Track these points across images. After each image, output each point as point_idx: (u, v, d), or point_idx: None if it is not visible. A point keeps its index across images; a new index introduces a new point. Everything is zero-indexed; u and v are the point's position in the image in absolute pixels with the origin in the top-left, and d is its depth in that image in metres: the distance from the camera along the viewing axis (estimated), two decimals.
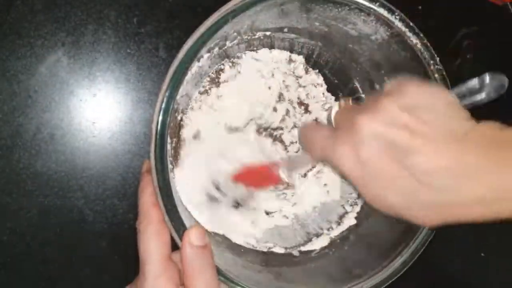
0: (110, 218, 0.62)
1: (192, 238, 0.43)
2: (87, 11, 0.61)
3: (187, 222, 0.46)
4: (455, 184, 0.35)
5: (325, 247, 0.60)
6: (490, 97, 0.40)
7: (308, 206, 0.62)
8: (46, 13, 0.60)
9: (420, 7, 0.67)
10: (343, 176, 0.40)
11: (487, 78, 0.39)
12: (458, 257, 0.71)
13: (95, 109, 0.61)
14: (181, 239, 0.44)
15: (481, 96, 0.40)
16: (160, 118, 0.44)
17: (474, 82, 0.40)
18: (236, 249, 0.57)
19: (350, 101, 0.43)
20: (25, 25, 0.60)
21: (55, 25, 0.60)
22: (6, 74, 0.59)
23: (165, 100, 0.43)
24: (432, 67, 0.51)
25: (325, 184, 0.62)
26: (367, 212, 0.60)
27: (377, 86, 0.59)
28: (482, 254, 0.70)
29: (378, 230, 0.58)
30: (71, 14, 0.60)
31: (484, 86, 0.40)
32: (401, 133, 0.36)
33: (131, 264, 0.61)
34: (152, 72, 0.62)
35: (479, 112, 0.39)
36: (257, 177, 0.57)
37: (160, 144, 0.44)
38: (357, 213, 0.61)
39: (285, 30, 0.57)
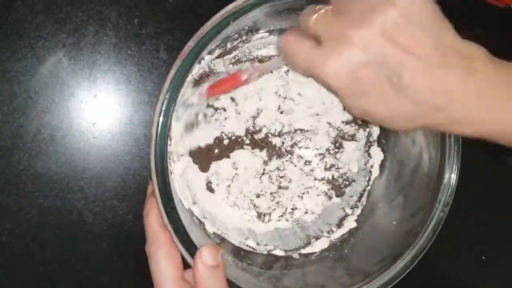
0: (110, 219, 0.62)
1: (205, 257, 0.43)
2: (87, 12, 0.60)
3: (187, 225, 0.45)
4: (439, 103, 0.37)
5: (325, 250, 0.59)
6: None
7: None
8: (47, 14, 0.60)
9: None
10: (328, 88, 0.39)
11: None
12: (459, 261, 0.70)
13: (96, 111, 0.61)
14: (181, 240, 0.44)
15: None
16: (160, 120, 0.43)
17: None
18: (236, 251, 0.57)
19: (324, 10, 0.40)
20: (25, 26, 0.60)
21: (56, 26, 0.60)
22: (6, 75, 0.59)
23: (165, 102, 0.43)
24: None
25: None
26: (368, 214, 0.60)
27: None
28: (483, 258, 0.70)
29: (378, 234, 0.58)
30: (71, 15, 0.60)
31: None
32: (395, 51, 0.36)
33: (131, 265, 0.62)
34: (152, 74, 0.62)
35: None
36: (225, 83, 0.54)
37: (160, 146, 0.43)
38: (358, 216, 0.61)
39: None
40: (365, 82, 0.37)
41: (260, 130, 0.60)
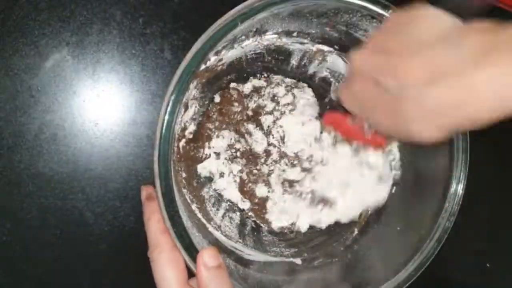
0: (111, 220, 0.61)
1: (206, 259, 0.43)
2: (92, 10, 0.60)
3: (189, 227, 0.45)
4: (432, 90, 0.35)
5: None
6: None
7: None
8: (51, 12, 0.59)
9: None
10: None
11: None
12: (463, 268, 0.70)
13: (98, 110, 0.61)
14: (183, 245, 0.43)
15: None
16: (165, 121, 0.43)
17: None
18: (238, 257, 0.57)
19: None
20: (29, 24, 0.59)
21: (60, 24, 0.60)
22: (9, 72, 0.59)
23: (170, 103, 0.43)
24: None
25: None
26: (373, 221, 0.59)
27: None
28: (488, 265, 0.70)
29: (383, 242, 0.57)
30: (76, 13, 0.60)
31: None
32: (379, 58, 0.37)
33: (131, 267, 0.61)
34: (156, 74, 0.61)
35: None
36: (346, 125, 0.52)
37: (164, 148, 0.43)
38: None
39: (294, 34, 0.56)
40: (360, 95, 0.39)
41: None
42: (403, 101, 0.36)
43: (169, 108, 0.43)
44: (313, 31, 0.55)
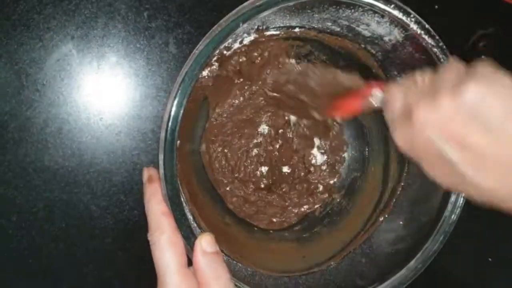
0: (116, 214, 0.62)
1: (204, 244, 0.43)
2: (97, 4, 0.60)
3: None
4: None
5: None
6: None
7: None
8: (56, 5, 0.59)
9: (436, 7, 0.66)
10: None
11: None
12: (465, 263, 0.70)
13: (103, 104, 0.61)
14: (191, 248, 0.43)
15: None
16: (170, 125, 0.43)
17: None
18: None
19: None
20: (34, 17, 0.59)
21: (65, 18, 0.60)
22: (14, 67, 0.59)
23: (174, 108, 0.42)
24: None
25: None
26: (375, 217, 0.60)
27: None
28: (489, 259, 0.70)
29: (380, 244, 0.57)
30: (81, 7, 0.60)
31: None
32: (452, 148, 0.36)
33: (135, 261, 0.62)
34: (161, 68, 0.61)
35: None
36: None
37: (170, 152, 0.43)
38: None
39: (296, 29, 0.56)
40: (421, 154, 0.39)
41: None
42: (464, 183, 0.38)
43: (172, 113, 0.42)
44: (315, 26, 0.55)
